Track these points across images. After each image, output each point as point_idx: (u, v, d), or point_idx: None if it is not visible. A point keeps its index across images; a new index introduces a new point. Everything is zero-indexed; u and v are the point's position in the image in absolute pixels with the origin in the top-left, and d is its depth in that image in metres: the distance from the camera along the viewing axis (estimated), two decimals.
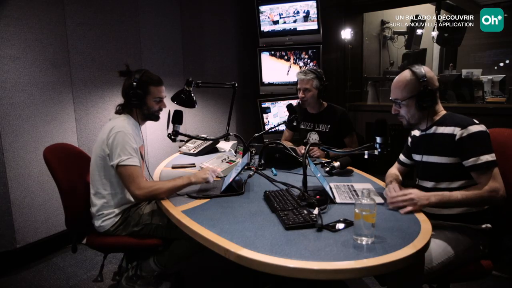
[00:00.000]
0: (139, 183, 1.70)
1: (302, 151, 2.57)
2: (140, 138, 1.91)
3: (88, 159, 1.92)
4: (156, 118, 1.96)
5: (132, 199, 1.89)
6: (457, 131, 1.48)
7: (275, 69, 3.80)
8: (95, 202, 1.82)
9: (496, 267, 1.57)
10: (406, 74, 1.58)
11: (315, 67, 2.59)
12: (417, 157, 1.69)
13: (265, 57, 3.80)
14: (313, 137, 2.63)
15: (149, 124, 2.21)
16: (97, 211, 1.81)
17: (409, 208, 1.42)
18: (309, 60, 3.66)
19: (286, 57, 3.74)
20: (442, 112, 1.61)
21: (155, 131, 3.37)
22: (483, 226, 1.53)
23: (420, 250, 1.15)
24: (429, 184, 1.62)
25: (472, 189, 1.45)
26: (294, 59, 3.72)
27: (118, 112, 1.91)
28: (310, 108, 2.63)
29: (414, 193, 1.46)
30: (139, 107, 1.87)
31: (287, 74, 3.77)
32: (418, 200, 1.43)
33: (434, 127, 1.59)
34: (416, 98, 1.54)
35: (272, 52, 3.76)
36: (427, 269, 1.38)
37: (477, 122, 1.49)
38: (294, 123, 2.45)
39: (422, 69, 1.55)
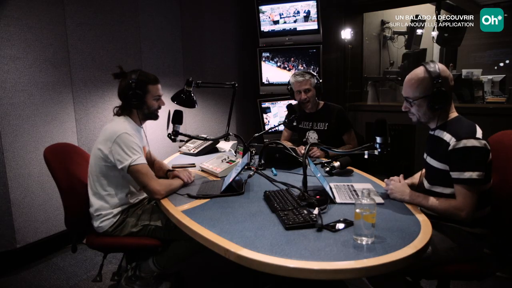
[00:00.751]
0: (157, 179, 1.73)
1: (302, 151, 2.57)
2: (143, 139, 1.91)
3: (87, 158, 1.91)
4: (156, 117, 1.95)
5: (130, 200, 1.89)
6: (452, 141, 1.44)
7: (276, 72, 3.82)
8: (93, 202, 1.82)
9: (499, 267, 1.57)
10: (420, 72, 1.51)
11: (306, 69, 2.66)
12: (424, 155, 1.69)
13: (268, 67, 3.81)
14: (312, 136, 2.64)
15: (149, 124, 2.21)
16: (95, 211, 1.81)
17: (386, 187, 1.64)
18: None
19: (287, 69, 3.76)
20: (453, 114, 1.56)
21: (155, 131, 3.37)
22: (476, 229, 1.51)
23: (420, 250, 1.15)
24: (426, 185, 1.63)
25: (443, 200, 1.48)
26: (294, 70, 3.74)
27: (117, 114, 1.90)
28: (309, 107, 2.64)
29: (394, 185, 1.61)
30: (139, 108, 1.87)
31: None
32: (393, 192, 1.59)
33: (440, 130, 1.55)
34: (428, 99, 1.48)
35: (278, 65, 3.77)
36: None
37: (478, 135, 1.43)
38: (294, 123, 2.46)
39: (437, 68, 1.47)
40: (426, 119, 1.57)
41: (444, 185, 1.52)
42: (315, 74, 2.58)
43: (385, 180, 1.71)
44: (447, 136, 1.48)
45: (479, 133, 1.45)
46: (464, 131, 1.44)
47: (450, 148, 1.44)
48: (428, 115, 1.54)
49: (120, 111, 1.90)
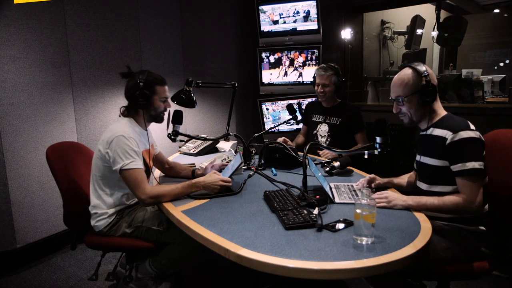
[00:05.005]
0: (144, 188, 1.66)
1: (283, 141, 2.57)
2: (146, 140, 1.90)
3: (91, 157, 1.91)
4: (161, 119, 1.93)
5: (126, 201, 1.88)
6: (448, 135, 1.46)
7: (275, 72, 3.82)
8: (92, 200, 1.83)
9: (496, 267, 1.57)
10: (407, 71, 1.57)
11: (332, 64, 2.66)
12: (417, 157, 1.69)
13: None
14: (323, 129, 2.67)
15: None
16: (92, 209, 1.81)
17: (382, 204, 1.49)
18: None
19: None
20: (442, 113, 1.59)
21: (155, 131, 3.36)
22: (476, 227, 1.51)
23: (420, 250, 1.15)
24: (424, 186, 1.62)
25: (449, 196, 1.46)
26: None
27: (122, 114, 1.88)
28: (325, 102, 2.70)
29: (390, 194, 1.53)
30: (145, 108, 1.84)
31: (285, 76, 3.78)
32: (393, 201, 1.50)
33: (432, 128, 1.57)
34: (419, 94, 1.53)
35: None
36: None
37: (472, 128, 1.47)
38: (292, 123, 2.49)
39: (422, 66, 1.55)
40: (417, 117, 1.59)
41: (444, 183, 1.51)
42: (339, 71, 2.62)
43: (374, 195, 1.53)
44: (442, 132, 1.50)
45: (472, 126, 1.48)
46: (458, 124, 1.48)
47: (448, 142, 1.45)
48: (420, 111, 1.57)
49: (126, 112, 1.88)
